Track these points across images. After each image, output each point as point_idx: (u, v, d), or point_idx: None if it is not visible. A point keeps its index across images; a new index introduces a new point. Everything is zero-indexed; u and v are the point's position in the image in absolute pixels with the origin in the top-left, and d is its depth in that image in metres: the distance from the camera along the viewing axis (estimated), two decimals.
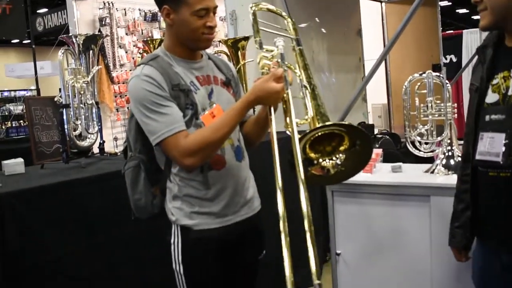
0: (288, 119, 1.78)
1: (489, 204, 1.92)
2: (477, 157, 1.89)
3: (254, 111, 2.29)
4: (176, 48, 2.03)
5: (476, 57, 2.05)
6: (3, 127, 10.17)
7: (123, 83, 6.44)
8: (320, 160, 1.80)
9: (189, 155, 1.87)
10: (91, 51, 3.48)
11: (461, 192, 2.10)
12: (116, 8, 6.48)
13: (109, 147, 5.18)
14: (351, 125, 1.72)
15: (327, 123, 1.70)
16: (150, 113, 1.90)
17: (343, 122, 1.72)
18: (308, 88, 1.87)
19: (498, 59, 1.90)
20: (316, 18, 5.64)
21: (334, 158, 1.80)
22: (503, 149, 1.79)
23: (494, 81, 1.87)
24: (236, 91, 2.17)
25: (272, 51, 1.95)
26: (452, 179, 2.75)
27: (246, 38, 4.11)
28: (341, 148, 1.79)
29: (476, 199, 1.98)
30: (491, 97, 1.87)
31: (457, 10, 22.31)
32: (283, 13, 2.19)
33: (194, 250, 2.02)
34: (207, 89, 2.04)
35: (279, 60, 1.90)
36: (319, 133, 1.71)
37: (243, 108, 1.89)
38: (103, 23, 6.36)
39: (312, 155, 1.79)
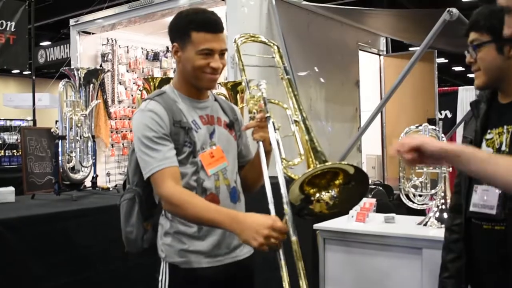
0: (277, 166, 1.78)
1: (484, 257, 1.91)
2: (471, 209, 1.92)
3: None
4: (182, 86, 2.06)
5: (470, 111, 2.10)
6: None
7: (120, 119, 6.47)
8: (317, 194, 1.77)
9: (167, 202, 1.89)
10: (91, 85, 3.51)
11: (450, 242, 2.10)
12: (119, 45, 6.57)
13: (101, 182, 5.16)
14: (352, 165, 1.70)
15: (327, 165, 1.69)
16: (146, 148, 1.92)
17: (343, 164, 1.71)
18: (300, 122, 1.88)
19: (491, 115, 1.95)
20: (316, 68, 5.73)
21: (329, 191, 1.77)
22: (497, 202, 1.81)
23: (489, 136, 1.91)
24: (239, 135, 2.18)
25: (254, 96, 1.96)
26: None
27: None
28: (336, 182, 1.76)
29: (469, 249, 1.97)
30: (485, 152, 1.89)
31: (453, 68, 22.72)
32: (267, 41, 2.22)
33: None
34: (209, 129, 2.05)
35: (263, 104, 1.92)
36: (318, 172, 1.71)
37: (219, 222, 1.81)
38: (105, 59, 6.45)
39: (310, 190, 1.76)
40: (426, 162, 1.65)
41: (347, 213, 3.14)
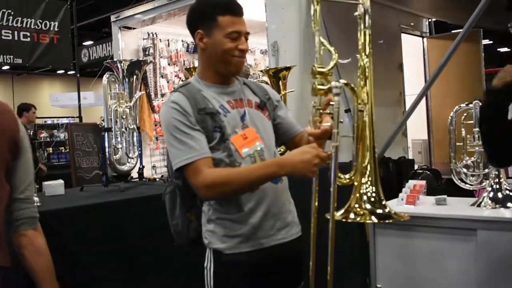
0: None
1: None
2: None
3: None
4: (207, 73, 2.05)
5: None
6: (45, 153, 10.39)
7: None
8: None
9: (206, 188, 1.87)
10: (134, 77, 3.54)
11: None
12: (160, 39, 6.63)
13: (148, 175, 5.21)
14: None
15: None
16: (173, 140, 1.92)
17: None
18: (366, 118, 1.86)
19: None
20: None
21: None
22: None
23: None
24: (272, 114, 2.14)
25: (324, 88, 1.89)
26: (500, 213, 2.65)
27: (287, 68, 4.12)
28: None
29: None
30: None
31: (498, 49, 22.06)
32: None
33: (225, 275, 1.96)
34: (239, 112, 2.02)
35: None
36: None
37: (270, 174, 1.85)
38: (147, 53, 6.52)
39: None
40: None
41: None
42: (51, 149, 10.66)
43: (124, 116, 3.39)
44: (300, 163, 1.78)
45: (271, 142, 2.08)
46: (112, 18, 6.51)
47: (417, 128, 6.95)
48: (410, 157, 6.60)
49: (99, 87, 3.45)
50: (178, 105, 1.94)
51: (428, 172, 5.39)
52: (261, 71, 5.79)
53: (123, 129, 3.39)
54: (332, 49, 2.00)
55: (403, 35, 6.55)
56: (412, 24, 6.86)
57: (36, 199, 2.08)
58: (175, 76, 6.74)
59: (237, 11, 1.98)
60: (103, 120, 3.41)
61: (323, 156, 1.78)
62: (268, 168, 1.85)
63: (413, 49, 7.03)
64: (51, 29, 8.82)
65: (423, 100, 6.31)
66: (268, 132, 2.07)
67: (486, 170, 2.92)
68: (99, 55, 13.19)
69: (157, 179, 3.64)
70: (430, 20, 7.24)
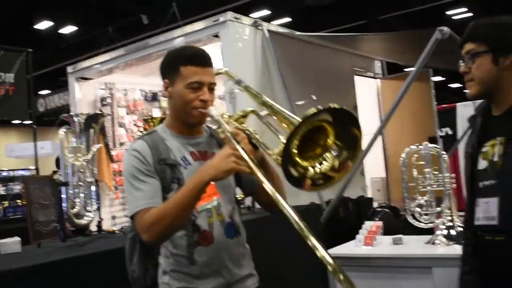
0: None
1: (493, 267, 1.93)
2: (476, 222, 1.96)
3: None
4: (173, 123, 2.08)
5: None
6: (1, 207, 10.11)
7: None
8: (320, 161, 1.74)
9: (145, 231, 1.86)
10: (92, 130, 3.54)
11: (465, 255, 2.11)
12: (117, 89, 6.63)
13: (107, 225, 5.14)
14: (324, 109, 1.65)
15: (306, 115, 1.62)
16: (130, 187, 1.94)
17: (313, 111, 1.63)
18: (266, 108, 1.92)
19: (488, 128, 2.01)
20: (313, 95, 5.76)
21: (329, 153, 1.74)
22: (498, 212, 1.86)
23: (484, 149, 1.97)
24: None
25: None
26: (453, 250, 2.73)
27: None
28: (328, 140, 1.73)
29: (481, 261, 1.99)
30: (482, 164, 1.97)
31: (449, 85, 22.83)
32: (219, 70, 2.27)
33: None
34: (202, 164, 2.01)
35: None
36: (303, 133, 1.66)
37: (196, 184, 1.82)
38: (104, 103, 6.50)
39: (308, 162, 1.73)
40: None
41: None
42: (7, 202, 10.38)
43: (82, 170, 3.37)
44: (218, 161, 1.80)
45: (231, 197, 2.09)
46: (69, 69, 6.50)
47: (374, 166, 7.08)
48: (369, 195, 6.71)
49: (57, 136, 3.43)
50: (139, 153, 1.96)
51: (387, 210, 5.49)
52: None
53: (80, 183, 3.37)
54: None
55: (356, 77, 6.74)
56: (365, 66, 7.07)
57: None
58: (134, 125, 6.74)
59: (201, 61, 2.00)
60: (60, 175, 3.38)
61: (239, 154, 1.77)
62: (191, 181, 1.84)
63: (367, 90, 7.23)
64: (6, 80, 8.71)
65: (379, 139, 6.47)
66: (228, 187, 2.08)
67: (438, 209, 3.01)
68: (56, 104, 13.08)
69: (117, 231, 3.60)
70: (382, 61, 7.48)
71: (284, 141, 1.66)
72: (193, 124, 2.07)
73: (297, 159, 1.70)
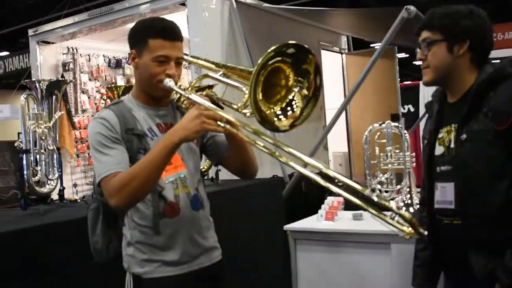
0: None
1: (448, 248, 2.03)
2: (435, 206, 2.05)
3: None
4: (140, 94, 2.07)
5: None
6: None
7: (85, 128, 6.39)
8: (287, 105, 1.78)
9: (113, 195, 1.84)
10: (54, 97, 3.46)
11: None
12: (80, 54, 6.49)
13: (68, 194, 5.08)
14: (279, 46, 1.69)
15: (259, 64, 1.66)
16: (97, 154, 1.92)
17: (268, 52, 1.68)
18: (221, 70, 1.95)
19: (443, 114, 2.09)
20: None
21: (295, 89, 1.77)
22: (454, 196, 1.96)
23: (440, 135, 2.05)
24: (201, 140, 2.18)
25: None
26: None
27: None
28: (289, 80, 1.77)
29: (436, 242, 2.08)
30: (438, 150, 2.06)
31: (414, 62, 23.14)
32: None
33: None
34: None
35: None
36: (262, 79, 1.69)
37: (167, 145, 1.81)
38: (67, 68, 6.36)
39: (277, 107, 1.77)
40: None
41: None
42: None
43: (43, 137, 3.31)
44: (187, 122, 1.79)
45: (196, 170, 2.10)
46: (30, 32, 6.31)
47: (337, 141, 7.18)
48: (332, 169, 6.81)
49: (17, 100, 3.34)
50: (106, 121, 1.95)
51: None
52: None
53: (42, 151, 3.31)
54: None
55: (323, 52, 6.76)
56: (331, 40, 7.10)
57: None
58: (96, 91, 6.62)
59: (170, 36, 1.98)
60: (21, 142, 3.31)
61: (207, 114, 1.77)
62: (161, 143, 1.83)
63: (332, 64, 7.28)
64: None
65: (343, 114, 6.54)
66: (194, 160, 2.10)
67: (398, 187, 3.09)
68: (16, 66, 12.66)
69: (79, 200, 3.57)
70: (348, 36, 7.52)
71: (247, 92, 1.68)
72: (158, 97, 2.06)
73: (266, 103, 1.73)
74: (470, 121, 1.92)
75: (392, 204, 1.41)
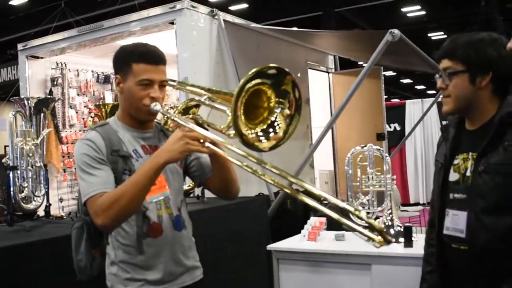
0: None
1: (456, 272, 2.02)
2: (445, 232, 2.03)
3: None
4: (125, 117, 2.12)
5: (440, 134, 2.22)
6: None
7: (72, 143, 6.40)
8: (269, 126, 1.80)
9: (100, 214, 1.88)
10: (42, 114, 3.50)
11: (428, 255, 2.20)
12: (69, 69, 6.51)
13: (54, 208, 5.09)
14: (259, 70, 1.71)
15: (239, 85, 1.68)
16: (83, 174, 1.96)
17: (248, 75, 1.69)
18: (206, 94, 1.98)
19: (460, 140, 2.06)
20: None
21: (277, 110, 1.80)
22: (466, 226, 1.93)
23: (455, 161, 2.03)
24: (184, 161, 2.23)
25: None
26: (392, 248, 2.87)
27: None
28: (272, 102, 1.79)
29: (443, 264, 2.08)
30: (453, 176, 2.03)
31: (401, 80, 23.39)
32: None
33: None
34: None
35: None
36: (246, 98, 1.71)
37: (152, 167, 1.86)
38: (55, 83, 6.37)
39: (258, 128, 1.80)
40: None
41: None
42: None
43: (31, 154, 3.34)
44: (171, 144, 1.84)
45: (180, 191, 2.16)
46: (19, 46, 6.33)
47: (323, 159, 7.24)
48: (318, 187, 6.87)
49: (4, 112, 3.37)
50: (92, 142, 1.99)
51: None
52: (171, 106, 5.87)
53: (29, 167, 3.34)
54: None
55: (310, 71, 6.85)
56: (318, 60, 7.19)
57: None
58: (84, 106, 6.63)
59: (153, 59, 2.04)
60: (8, 158, 3.34)
61: (191, 135, 1.82)
62: (147, 164, 1.88)
63: (319, 83, 7.36)
64: None
65: (329, 132, 6.61)
66: (177, 181, 2.15)
67: (380, 208, 3.15)
68: (3, 78, 12.66)
69: (65, 217, 3.59)
70: (335, 56, 7.62)
71: (230, 113, 1.72)
72: (143, 120, 2.12)
73: (248, 125, 1.76)
74: (489, 153, 1.90)
75: (363, 214, 1.46)
